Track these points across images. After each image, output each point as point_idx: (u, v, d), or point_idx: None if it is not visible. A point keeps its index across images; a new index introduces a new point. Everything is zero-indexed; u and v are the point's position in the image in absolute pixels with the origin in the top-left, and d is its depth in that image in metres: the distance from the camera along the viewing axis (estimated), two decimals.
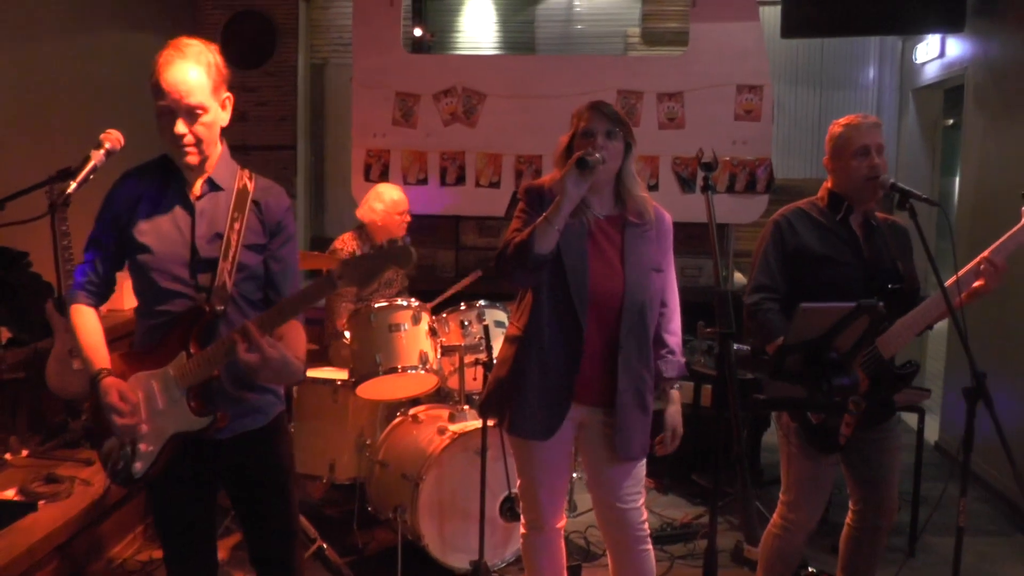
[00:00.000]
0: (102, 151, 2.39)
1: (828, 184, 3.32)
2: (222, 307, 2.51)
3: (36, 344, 4.45)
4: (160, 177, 2.59)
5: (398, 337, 4.08)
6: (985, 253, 2.94)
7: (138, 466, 2.52)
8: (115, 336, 4.93)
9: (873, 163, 3.16)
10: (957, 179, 6.69)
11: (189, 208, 2.55)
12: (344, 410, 4.39)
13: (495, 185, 6.29)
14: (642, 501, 3.05)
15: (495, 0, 7.77)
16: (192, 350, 2.48)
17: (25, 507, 3.62)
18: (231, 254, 2.52)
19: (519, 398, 2.95)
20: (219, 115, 2.54)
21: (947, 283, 2.91)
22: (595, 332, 2.88)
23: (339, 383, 4.37)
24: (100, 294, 2.66)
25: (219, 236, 2.54)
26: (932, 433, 6.04)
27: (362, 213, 4.86)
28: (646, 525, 3.06)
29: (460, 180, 6.37)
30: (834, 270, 3.16)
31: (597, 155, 2.74)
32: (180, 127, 2.43)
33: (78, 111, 5.52)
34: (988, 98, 5.63)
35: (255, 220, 2.59)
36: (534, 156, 6.24)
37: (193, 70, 2.43)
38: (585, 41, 7.66)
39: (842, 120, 3.27)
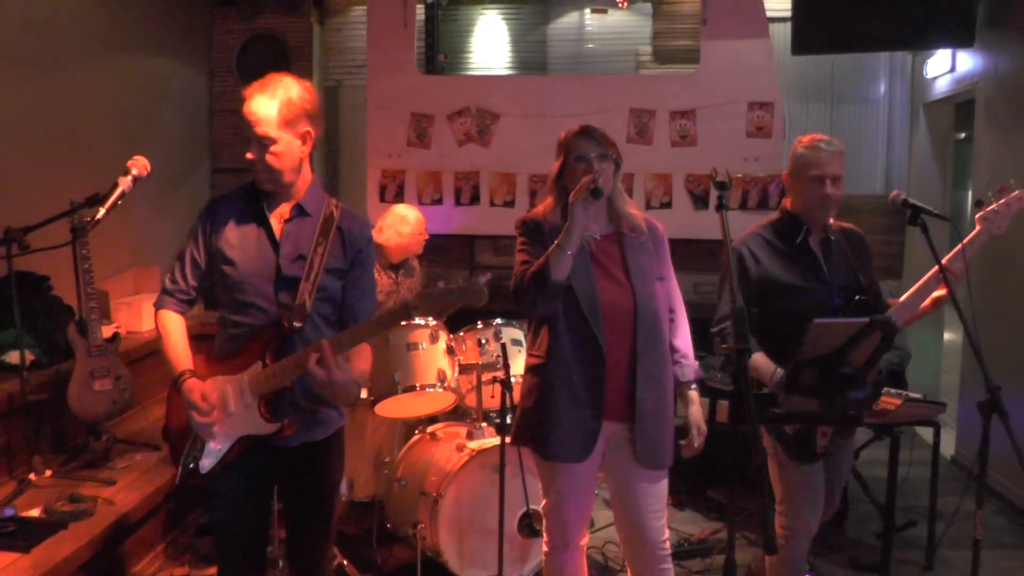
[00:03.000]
0: (129, 177, 2.45)
1: (787, 203, 3.38)
2: (300, 324, 2.69)
3: (58, 366, 4.51)
4: (249, 200, 2.79)
5: (416, 356, 4.12)
6: (943, 260, 3.04)
7: (206, 462, 2.72)
8: (134, 358, 5.01)
9: (825, 193, 3.21)
10: (969, 193, 6.72)
11: (273, 230, 2.75)
12: (363, 428, 4.43)
13: (509, 204, 6.34)
14: (664, 520, 3.08)
15: (507, 21, 7.83)
16: (268, 361, 2.67)
17: (54, 526, 3.66)
18: (313, 276, 2.70)
19: (551, 425, 2.98)
20: (293, 146, 2.69)
21: (908, 294, 3.15)
22: (614, 348, 2.93)
23: (357, 402, 4.39)
24: (186, 301, 2.86)
25: (302, 257, 2.72)
26: (948, 447, 6.03)
27: (386, 238, 4.78)
28: (668, 544, 3.09)
29: (474, 200, 6.42)
30: (799, 298, 3.22)
31: (600, 180, 2.83)
32: (248, 153, 2.66)
33: (99, 136, 5.59)
34: (999, 112, 5.65)
35: (338, 246, 2.78)
36: (548, 175, 6.28)
37: (266, 103, 2.63)
38: (597, 60, 7.70)
39: (806, 139, 3.31)
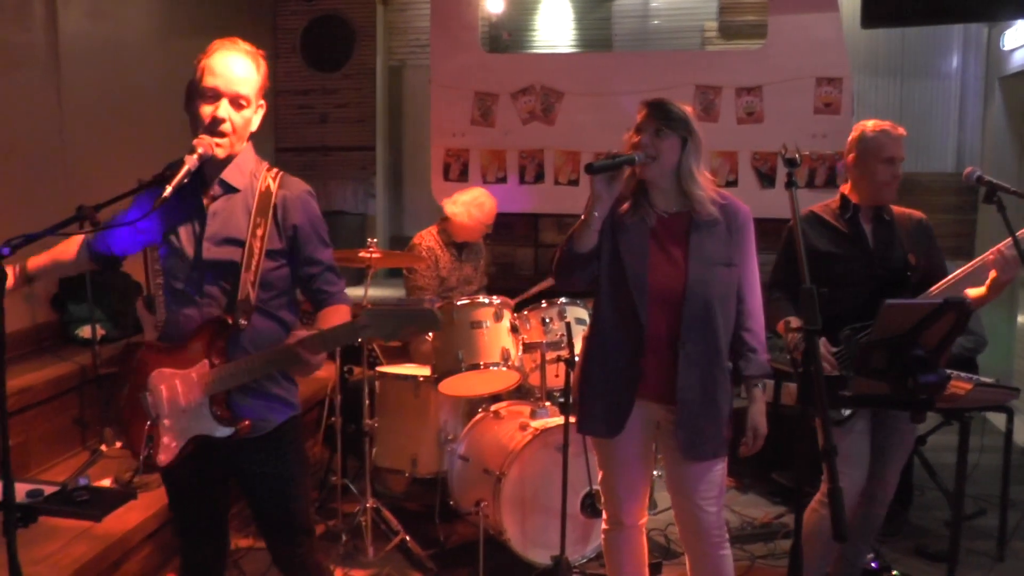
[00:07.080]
0: (196, 156, 2.45)
1: (844, 188, 3.45)
2: (245, 321, 2.47)
3: (127, 340, 4.61)
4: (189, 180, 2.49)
5: (480, 334, 4.12)
6: (1000, 246, 3.00)
7: (161, 458, 2.53)
8: None
9: (897, 173, 3.31)
10: None
11: (202, 210, 2.53)
12: (426, 406, 4.45)
13: (574, 183, 6.31)
14: (720, 506, 2.97)
15: None
16: (215, 361, 2.48)
17: (125, 496, 3.73)
18: (254, 264, 2.47)
19: (584, 397, 3.00)
20: (256, 117, 2.55)
21: (957, 274, 3.14)
22: (659, 328, 2.84)
23: (421, 379, 4.42)
24: (96, 245, 2.73)
25: (230, 241, 2.49)
26: (1021, 434, 5.87)
27: (456, 212, 4.88)
28: (724, 531, 2.99)
29: (539, 178, 6.41)
30: (836, 264, 3.32)
31: (626, 155, 2.80)
32: (223, 110, 2.44)
33: (165, 118, 5.65)
34: None
35: (273, 225, 2.52)
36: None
37: (245, 63, 2.50)
38: (662, 37, 7.62)
39: (869, 124, 3.38)
